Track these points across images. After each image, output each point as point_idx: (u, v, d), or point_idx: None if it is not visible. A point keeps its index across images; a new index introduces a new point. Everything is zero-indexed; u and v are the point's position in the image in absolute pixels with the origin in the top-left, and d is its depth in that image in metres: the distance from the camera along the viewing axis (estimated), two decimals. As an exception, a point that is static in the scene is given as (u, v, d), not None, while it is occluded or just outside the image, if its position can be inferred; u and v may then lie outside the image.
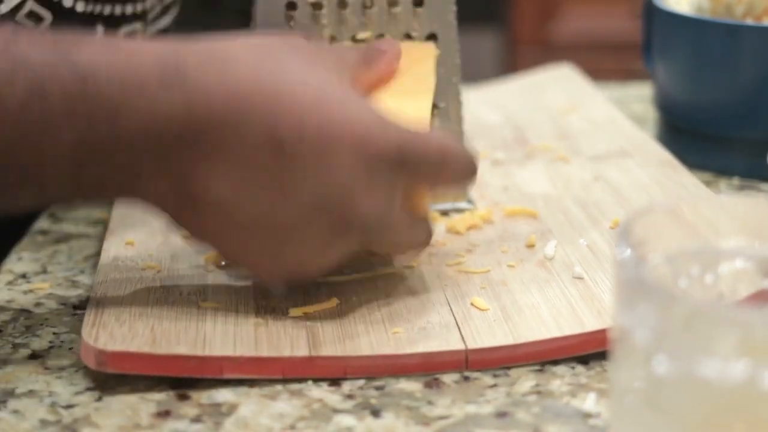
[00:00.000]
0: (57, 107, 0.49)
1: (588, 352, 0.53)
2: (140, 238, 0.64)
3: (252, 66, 0.52)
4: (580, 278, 0.58)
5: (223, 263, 0.60)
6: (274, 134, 0.50)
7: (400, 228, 0.55)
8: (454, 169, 0.56)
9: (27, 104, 0.49)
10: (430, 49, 0.63)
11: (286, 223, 0.52)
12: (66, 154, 0.50)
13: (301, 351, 0.52)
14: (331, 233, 0.53)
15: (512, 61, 2.18)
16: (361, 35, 0.64)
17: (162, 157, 0.51)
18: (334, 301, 0.56)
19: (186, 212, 0.53)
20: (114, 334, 0.52)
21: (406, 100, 0.57)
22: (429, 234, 0.58)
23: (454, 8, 0.65)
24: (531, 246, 0.63)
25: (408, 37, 0.65)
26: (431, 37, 0.65)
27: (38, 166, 0.50)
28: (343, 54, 0.57)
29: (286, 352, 0.52)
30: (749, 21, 0.75)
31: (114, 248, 0.63)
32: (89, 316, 0.54)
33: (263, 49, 0.53)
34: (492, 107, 0.88)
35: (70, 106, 0.49)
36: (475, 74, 0.98)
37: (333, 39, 0.64)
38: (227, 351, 0.52)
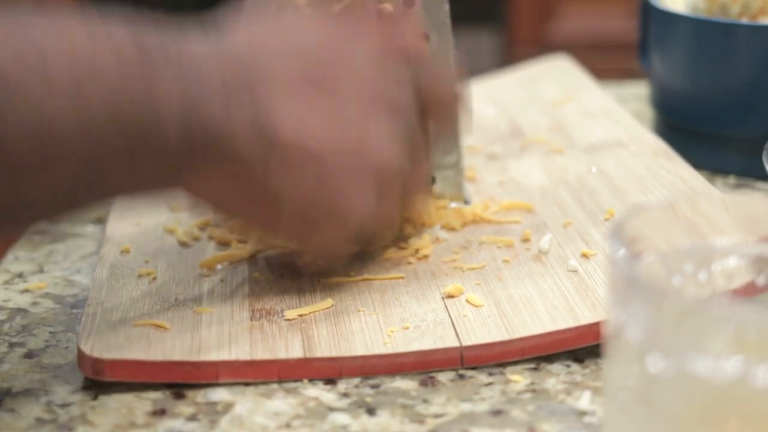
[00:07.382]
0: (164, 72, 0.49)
1: (583, 345, 0.53)
2: (136, 243, 0.64)
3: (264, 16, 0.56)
4: (575, 271, 0.58)
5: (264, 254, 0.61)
6: (300, 47, 0.54)
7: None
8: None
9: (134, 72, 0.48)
10: None
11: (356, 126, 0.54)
12: (176, 114, 0.49)
13: (296, 353, 0.52)
14: (389, 110, 0.55)
15: (510, 60, 2.18)
16: None
17: (235, 97, 0.51)
18: (329, 302, 0.56)
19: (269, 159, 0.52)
20: (109, 342, 0.52)
21: None
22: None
23: (446, 8, 0.64)
24: (526, 240, 0.63)
25: None
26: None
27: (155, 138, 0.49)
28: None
29: (281, 354, 0.52)
30: (744, 20, 0.75)
31: (110, 255, 0.62)
32: (84, 324, 0.54)
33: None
34: (487, 100, 0.88)
35: (174, 69, 0.49)
36: (473, 74, 0.98)
37: None
38: (223, 355, 0.52)
